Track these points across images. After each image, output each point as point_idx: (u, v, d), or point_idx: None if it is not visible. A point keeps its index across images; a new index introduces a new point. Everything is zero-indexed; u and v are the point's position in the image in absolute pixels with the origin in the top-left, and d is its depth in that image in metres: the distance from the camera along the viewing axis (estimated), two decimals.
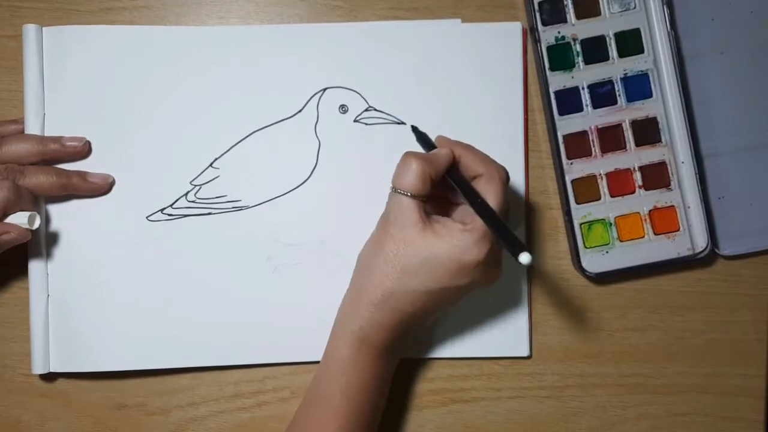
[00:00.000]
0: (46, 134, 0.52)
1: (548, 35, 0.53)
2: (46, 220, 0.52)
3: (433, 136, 0.53)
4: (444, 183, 0.47)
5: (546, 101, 0.53)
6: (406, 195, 0.45)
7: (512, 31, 0.54)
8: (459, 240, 0.44)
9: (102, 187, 0.52)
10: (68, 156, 0.52)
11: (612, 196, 0.53)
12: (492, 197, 0.45)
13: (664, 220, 0.53)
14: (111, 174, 0.53)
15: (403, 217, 0.45)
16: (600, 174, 0.53)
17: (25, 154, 0.50)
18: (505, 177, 0.47)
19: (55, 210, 0.52)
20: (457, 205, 0.49)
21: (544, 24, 0.53)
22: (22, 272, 0.53)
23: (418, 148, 0.49)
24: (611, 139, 0.53)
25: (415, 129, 0.50)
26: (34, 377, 0.53)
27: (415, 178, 0.45)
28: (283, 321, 0.53)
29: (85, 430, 0.54)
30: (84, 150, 0.52)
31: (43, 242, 0.52)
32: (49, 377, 0.54)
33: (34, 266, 0.52)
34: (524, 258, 0.41)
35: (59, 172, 0.51)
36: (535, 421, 0.55)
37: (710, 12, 0.54)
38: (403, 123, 0.53)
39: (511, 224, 0.54)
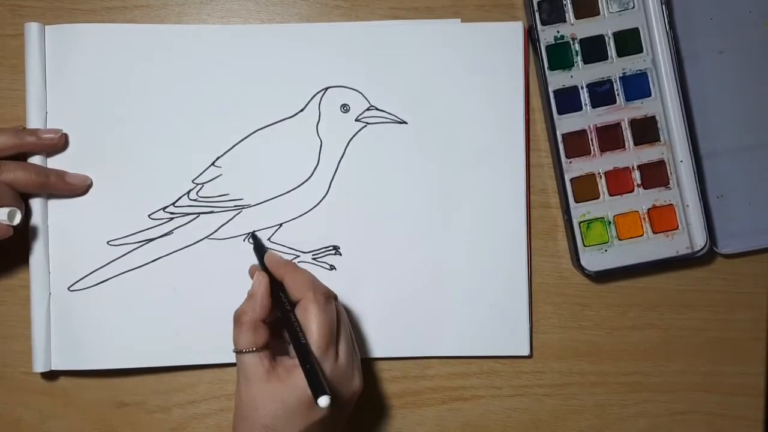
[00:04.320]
0: None
1: (547, 35, 0.53)
2: (47, 217, 0.52)
3: (433, 137, 0.53)
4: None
5: (545, 100, 0.53)
6: (249, 352, 0.44)
7: (513, 31, 0.54)
8: (301, 379, 0.43)
9: (79, 188, 0.52)
10: (45, 148, 0.52)
11: (611, 195, 0.53)
12: (312, 321, 0.44)
13: (662, 219, 0.53)
14: (113, 172, 0.53)
15: (249, 375, 0.44)
16: (599, 173, 0.53)
17: (1, 147, 0.50)
18: (323, 299, 0.46)
19: (57, 208, 0.52)
20: None
21: (544, 23, 0.53)
22: (24, 270, 0.53)
23: None
24: (610, 137, 0.53)
25: (254, 236, 0.48)
26: (35, 375, 0.53)
27: (249, 333, 0.45)
28: None
29: (86, 429, 0.54)
30: (60, 142, 0.52)
31: (44, 240, 0.52)
32: (50, 375, 0.54)
33: (36, 264, 0.52)
34: (323, 401, 0.40)
35: (38, 170, 0.51)
36: (535, 419, 0.55)
37: (709, 11, 0.54)
38: (404, 122, 0.53)
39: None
